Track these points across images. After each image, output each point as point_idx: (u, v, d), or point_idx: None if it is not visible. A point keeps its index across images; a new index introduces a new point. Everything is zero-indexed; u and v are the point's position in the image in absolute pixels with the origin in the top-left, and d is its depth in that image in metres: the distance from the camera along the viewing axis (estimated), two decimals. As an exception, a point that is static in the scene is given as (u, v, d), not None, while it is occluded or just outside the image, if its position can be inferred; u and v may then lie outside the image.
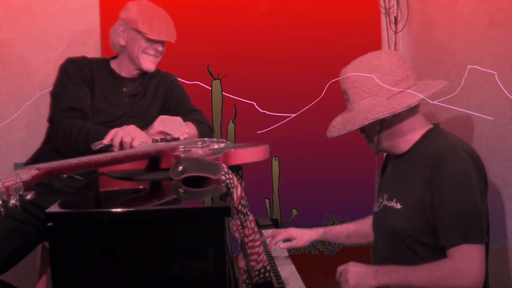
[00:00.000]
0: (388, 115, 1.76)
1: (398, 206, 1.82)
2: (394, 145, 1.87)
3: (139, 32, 2.28)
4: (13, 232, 2.16)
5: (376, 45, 3.10)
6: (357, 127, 1.80)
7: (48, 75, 2.77)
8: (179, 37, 2.38)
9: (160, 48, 2.34)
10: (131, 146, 1.92)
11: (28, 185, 0.99)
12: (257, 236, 1.39)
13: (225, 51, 3.01)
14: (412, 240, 1.77)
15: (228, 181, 1.30)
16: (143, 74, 2.39)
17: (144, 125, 2.15)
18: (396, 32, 3.14)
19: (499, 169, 2.22)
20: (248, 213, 1.36)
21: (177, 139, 2.09)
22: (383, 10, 3.17)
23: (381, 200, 1.93)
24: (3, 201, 0.93)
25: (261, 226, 2.39)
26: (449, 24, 2.60)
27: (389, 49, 3.14)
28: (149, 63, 2.34)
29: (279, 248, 2.11)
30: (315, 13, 3.10)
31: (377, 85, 1.80)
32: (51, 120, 2.32)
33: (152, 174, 1.54)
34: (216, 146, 1.70)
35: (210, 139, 1.92)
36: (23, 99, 2.77)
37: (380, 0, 3.15)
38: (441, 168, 1.71)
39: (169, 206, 1.32)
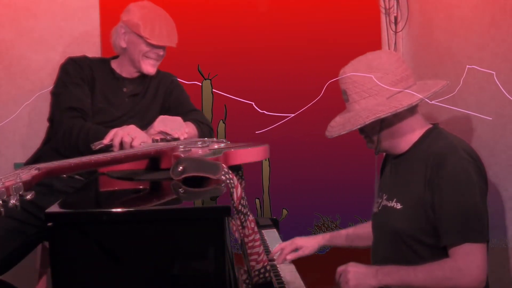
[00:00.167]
0: (389, 114, 1.76)
1: (398, 206, 1.82)
2: (393, 145, 1.87)
3: (140, 36, 2.28)
4: (13, 232, 2.16)
5: (376, 45, 3.10)
6: (358, 126, 1.80)
7: (48, 75, 2.78)
8: (178, 37, 2.38)
9: (161, 53, 2.34)
10: (131, 146, 1.92)
11: (28, 185, 0.99)
12: (257, 236, 1.38)
13: (225, 51, 3.01)
14: (412, 240, 1.77)
15: (228, 181, 1.30)
16: (144, 75, 2.39)
17: (144, 125, 2.15)
18: (396, 32, 3.14)
19: (499, 169, 2.22)
20: (248, 213, 1.36)
21: (177, 139, 2.09)
22: (383, 10, 3.17)
23: (380, 201, 1.93)
24: (3, 201, 0.93)
25: (261, 226, 2.39)
26: (449, 24, 2.60)
27: (389, 49, 3.14)
28: (149, 67, 2.34)
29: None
30: (315, 13, 3.09)
31: (377, 85, 1.80)
32: (51, 119, 2.32)
33: (152, 174, 1.54)
34: (216, 146, 1.70)
35: (210, 139, 1.92)
36: (23, 99, 2.77)
37: (380, 0, 3.15)
38: (441, 168, 1.71)
39: (169, 206, 1.32)
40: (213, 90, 2.86)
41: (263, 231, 2.35)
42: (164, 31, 2.31)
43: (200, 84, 2.95)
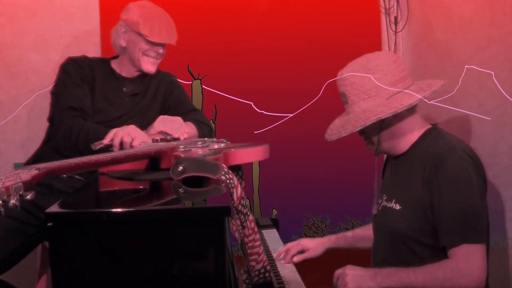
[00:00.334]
0: (389, 115, 1.75)
1: (398, 206, 1.82)
2: (393, 146, 1.87)
3: (140, 34, 2.28)
4: (13, 232, 2.16)
5: (376, 45, 3.11)
6: (359, 128, 1.79)
7: (48, 75, 2.78)
8: (177, 37, 2.38)
9: (161, 51, 2.34)
10: (131, 146, 1.92)
11: (28, 185, 0.99)
12: (257, 236, 1.38)
13: (224, 51, 3.01)
14: (412, 241, 1.77)
15: (228, 181, 1.30)
16: (143, 74, 2.39)
17: (144, 125, 2.15)
18: (396, 32, 3.14)
19: (499, 169, 2.22)
20: (248, 213, 1.36)
21: (177, 139, 2.09)
22: (383, 10, 3.17)
23: (380, 201, 1.93)
24: (3, 201, 0.93)
25: (261, 226, 2.39)
26: (449, 24, 2.60)
27: (389, 49, 3.14)
28: (149, 65, 2.34)
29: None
30: (315, 13, 3.10)
31: (376, 86, 1.79)
32: (51, 119, 2.32)
33: (152, 174, 1.54)
34: (216, 146, 1.70)
35: (210, 139, 1.92)
36: (23, 99, 2.77)
37: (380, 0, 3.16)
38: (440, 168, 1.71)
39: (169, 206, 1.32)
40: (212, 90, 2.85)
41: (263, 231, 2.35)
42: (164, 29, 2.31)
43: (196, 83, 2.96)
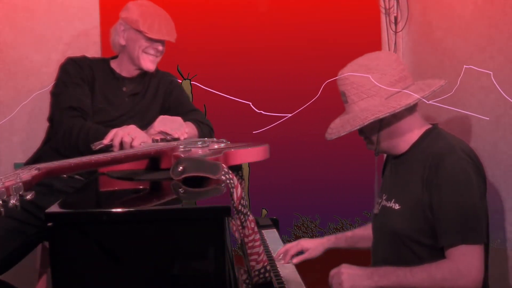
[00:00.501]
0: (388, 114, 1.75)
1: (397, 206, 1.82)
2: (393, 145, 1.87)
3: (139, 31, 2.28)
4: (13, 232, 2.16)
5: (376, 45, 3.11)
6: (358, 127, 1.79)
7: (48, 75, 2.78)
8: (176, 36, 2.38)
9: (160, 48, 2.34)
10: (131, 146, 1.92)
11: (28, 185, 0.99)
12: (257, 236, 1.38)
13: (223, 51, 3.01)
14: (411, 241, 1.77)
15: (228, 181, 1.30)
16: (143, 73, 2.39)
17: (144, 125, 2.15)
18: (396, 32, 3.14)
19: (499, 170, 2.22)
20: (248, 213, 1.36)
21: (177, 139, 2.09)
22: (383, 10, 3.17)
23: (380, 201, 1.93)
24: (3, 201, 0.93)
25: (261, 226, 2.39)
26: (449, 24, 2.61)
27: (389, 49, 3.14)
28: (149, 63, 2.34)
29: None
30: (315, 13, 3.10)
31: (375, 86, 1.80)
32: (51, 119, 2.32)
33: (152, 174, 1.54)
34: (216, 146, 1.70)
35: (210, 139, 1.92)
36: (23, 99, 2.77)
37: (380, 0, 3.16)
38: (440, 169, 1.71)
39: (169, 206, 1.32)
40: (211, 90, 2.85)
41: (263, 231, 2.35)
42: (163, 26, 2.32)
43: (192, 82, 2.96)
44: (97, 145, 1.90)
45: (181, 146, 1.61)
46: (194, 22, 2.99)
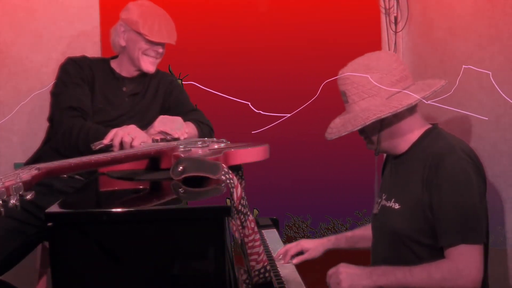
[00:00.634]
0: (389, 114, 1.75)
1: (397, 206, 1.82)
2: (393, 145, 1.87)
3: (139, 33, 2.28)
4: (13, 232, 2.16)
5: (376, 45, 3.11)
6: (359, 127, 1.79)
7: (48, 75, 2.78)
8: (177, 37, 2.38)
9: (160, 50, 2.34)
10: (131, 146, 1.92)
11: (28, 185, 0.99)
12: (257, 236, 1.39)
13: (222, 51, 3.01)
14: (411, 241, 1.77)
15: (228, 181, 1.30)
16: (143, 74, 2.39)
17: (144, 125, 2.15)
18: (396, 32, 3.14)
19: (499, 170, 2.22)
20: (248, 213, 1.36)
21: (177, 139, 2.09)
22: (383, 10, 3.17)
23: (380, 200, 1.93)
24: (3, 201, 0.93)
25: (261, 226, 2.39)
26: (449, 24, 2.61)
27: (389, 49, 3.14)
28: (149, 65, 2.34)
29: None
30: (315, 13, 3.10)
31: (376, 86, 1.80)
32: (51, 119, 2.32)
33: (152, 174, 1.54)
34: (216, 146, 1.70)
35: (210, 139, 1.92)
36: (23, 99, 2.77)
37: (380, 0, 3.16)
38: (440, 168, 1.71)
39: (169, 206, 1.32)
40: (210, 89, 2.84)
41: (263, 231, 2.35)
42: (164, 29, 2.31)
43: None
44: (97, 145, 1.90)
45: (181, 146, 1.61)
46: (193, 22, 2.98)
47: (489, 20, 2.28)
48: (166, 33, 2.32)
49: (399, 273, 1.68)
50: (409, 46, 3.10)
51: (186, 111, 2.40)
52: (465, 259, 1.65)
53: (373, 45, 2.98)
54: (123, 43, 2.33)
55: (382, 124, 1.82)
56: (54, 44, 2.91)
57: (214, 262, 1.15)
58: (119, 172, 1.55)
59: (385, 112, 1.75)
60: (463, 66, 2.28)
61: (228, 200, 1.23)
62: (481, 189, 1.73)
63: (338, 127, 1.87)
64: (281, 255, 2.08)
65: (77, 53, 2.49)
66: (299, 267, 2.01)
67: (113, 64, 2.40)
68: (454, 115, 2.48)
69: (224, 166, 1.33)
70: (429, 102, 1.79)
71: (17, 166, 2.84)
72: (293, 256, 2.08)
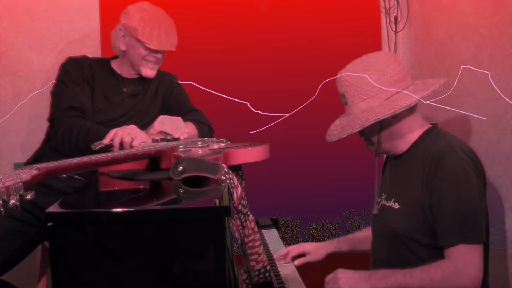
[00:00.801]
0: (388, 115, 1.75)
1: (396, 206, 1.82)
2: (393, 146, 1.87)
3: (138, 40, 2.27)
4: (13, 232, 2.16)
5: (376, 45, 3.11)
6: (358, 129, 1.79)
7: (48, 75, 2.77)
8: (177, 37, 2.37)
9: (160, 56, 2.33)
10: (131, 146, 1.92)
11: (28, 185, 0.99)
12: (257, 236, 1.39)
13: (221, 51, 3.01)
14: (411, 241, 1.77)
15: (228, 181, 1.30)
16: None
17: (144, 125, 2.15)
18: (396, 32, 3.14)
19: (499, 170, 2.22)
20: (248, 213, 1.36)
21: (177, 139, 2.09)
22: (383, 10, 3.17)
23: (379, 200, 1.93)
24: (3, 201, 0.93)
25: (261, 226, 2.39)
26: (449, 24, 2.61)
27: (389, 49, 3.14)
28: (149, 70, 2.33)
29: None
30: (314, 13, 3.10)
31: (375, 87, 1.79)
32: (51, 119, 2.32)
33: (152, 174, 1.54)
34: (216, 146, 1.70)
35: (210, 139, 1.92)
36: (22, 99, 2.78)
37: (380, 0, 3.16)
38: (439, 168, 1.71)
39: (169, 206, 1.32)
40: (208, 89, 2.84)
41: (263, 231, 2.35)
42: (163, 35, 2.29)
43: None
44: (97, 145, 1.90)
45: (181, 146, 1.61)
46: (192, 22, 2.98)
47: (489, 20, 2.28)
48: (166, 40, 2.30)
49: (399, 276, 1.68)
50: (409, 46, 3.10)
51: (186, 111, 2.40)
52: (465, 259, 1.65)
53: (373, 45, 2.98)
54: (123, 48, 2.33)
55: (382, 125, 1.82)
56: (54, 44, 2.92)
57: (214, 262, 1.15)
58: (119, 172, 1.55)
59: (384, 113, 1.75)
60: (462, 66, 2.28)
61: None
62: (480, 189, 1.73)
63: (338, 129, 1.87)
64: (282, 257, 2.07)
65: (77, 53, 2.49)
66: (299, 267, 2.01)
67: (114, 64, 2.40)
68: (454, 115, 2.48)
69: (224, 166, 1.33)
70: (428, 102, 1.79)
71: (17, 166, 2.84)
72: (294, 258, 2.08)
